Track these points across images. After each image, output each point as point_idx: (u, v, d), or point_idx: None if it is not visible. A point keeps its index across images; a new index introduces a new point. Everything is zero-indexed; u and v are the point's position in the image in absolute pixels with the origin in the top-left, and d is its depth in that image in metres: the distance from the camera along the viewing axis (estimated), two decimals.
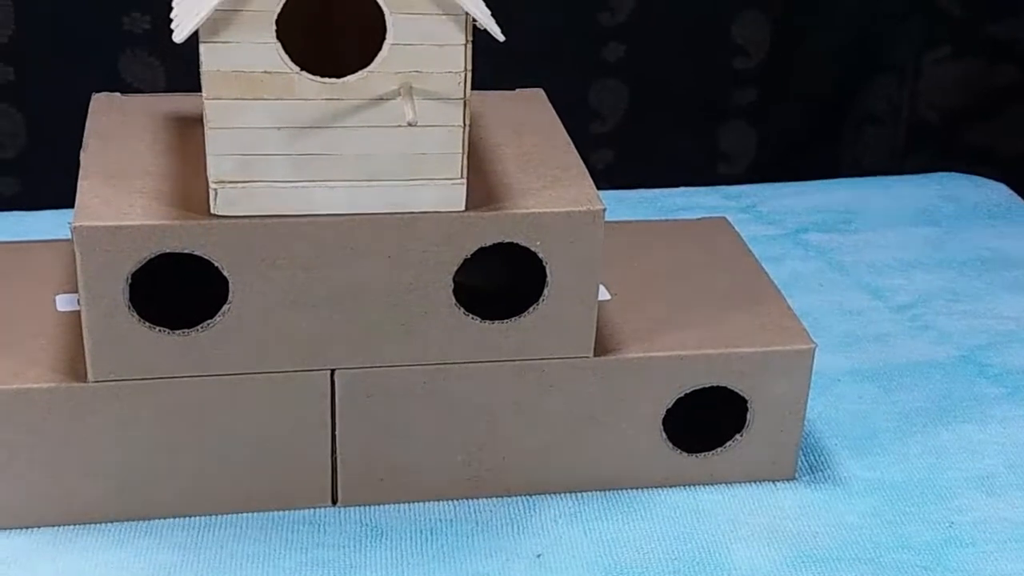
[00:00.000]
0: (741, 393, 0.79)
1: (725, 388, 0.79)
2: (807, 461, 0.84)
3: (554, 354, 0.76)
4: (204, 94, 0.67)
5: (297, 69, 0.67)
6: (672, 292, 0.84)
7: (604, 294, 0.82)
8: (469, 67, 0.69)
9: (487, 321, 0.74)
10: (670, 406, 0.79)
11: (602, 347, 0.77)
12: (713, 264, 0.88)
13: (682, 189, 1.21)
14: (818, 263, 1.09)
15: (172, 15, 0.69)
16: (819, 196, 1.21)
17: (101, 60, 1.17)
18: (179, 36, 0.65)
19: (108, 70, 1.17)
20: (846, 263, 1.09)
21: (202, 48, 0.66)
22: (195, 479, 0.75)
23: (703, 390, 0.78)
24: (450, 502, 0.78)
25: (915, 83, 1.37)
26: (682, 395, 0.78)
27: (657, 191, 1.19)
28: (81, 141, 0.77)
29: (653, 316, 0.81)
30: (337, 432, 0.76)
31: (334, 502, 0.78)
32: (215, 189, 0.69)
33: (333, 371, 0.74)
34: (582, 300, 0.75)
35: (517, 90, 0.87)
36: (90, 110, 0.81)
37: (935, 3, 1.33)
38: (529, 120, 0.83)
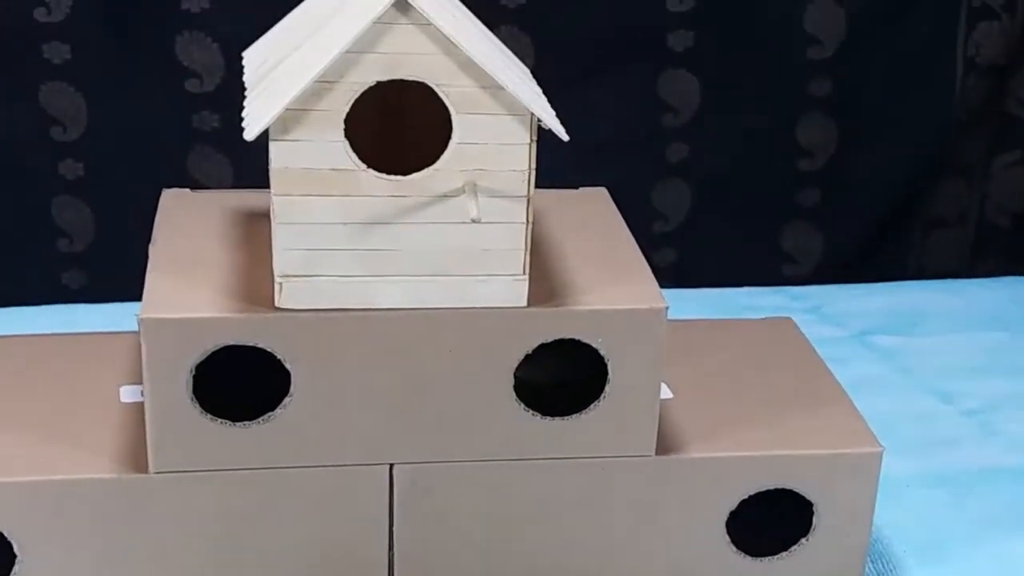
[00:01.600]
0: (807, 496, 0.79)
1: (790, 491, 0.78)
2: (874, 568, 0.83)
3: (615, 452, 0.76)
4: (272, 190, 0.69)
5: (364, 167, 0.69)
6: (736, 392, 0.84)
7: (667, 392, 0.82)
8: (533, 166, 0.70)
9: (547, 417, 0.75)
10: (734, 508, 0.78)
11: (664, 446, 0.77)
12: (778, 364, 0.88)
13: (746, 289, 1.21)
14: (885, 366, 1.09)
15: (243, 113, 0.71)
16: (886, 298, 1.21)
17: (170, 157, 1.21)
18: (250, 134, 0.68)
19: (177, 166, 1.21)
20: (914, 367, 1.09)
21: (272, 145, 0.68)
22: (253, 573, 0.76)
23: (768, 492, 0.78)
24: None
25: (984, 186, 1.37)
26: (746, 497, 0.78)
27: (720, 290, 1.20)
28: (148, 236, 0.80)
29: (716, 416, 0.81)
30: (395, 527, 0.76)
31: None
32: (280, 283, 0.71)
33: (392, 466, 0.75)
34: (644, 398, 0.75)
35: (580, 188, 0.88)
36: (160, 205, 0.83)
37: (1005, 107, 1.34)
38: (592, 218, 0.84)
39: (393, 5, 0.66)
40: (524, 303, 0.72)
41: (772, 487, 0.78)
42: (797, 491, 0.78)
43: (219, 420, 0.72)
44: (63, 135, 1.20)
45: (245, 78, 0.76)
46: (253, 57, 0.78)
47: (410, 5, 0.66)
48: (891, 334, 1.14)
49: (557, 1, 1.21)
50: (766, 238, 1.33)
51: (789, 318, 0.95)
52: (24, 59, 1.16)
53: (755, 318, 0.96)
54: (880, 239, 1.35)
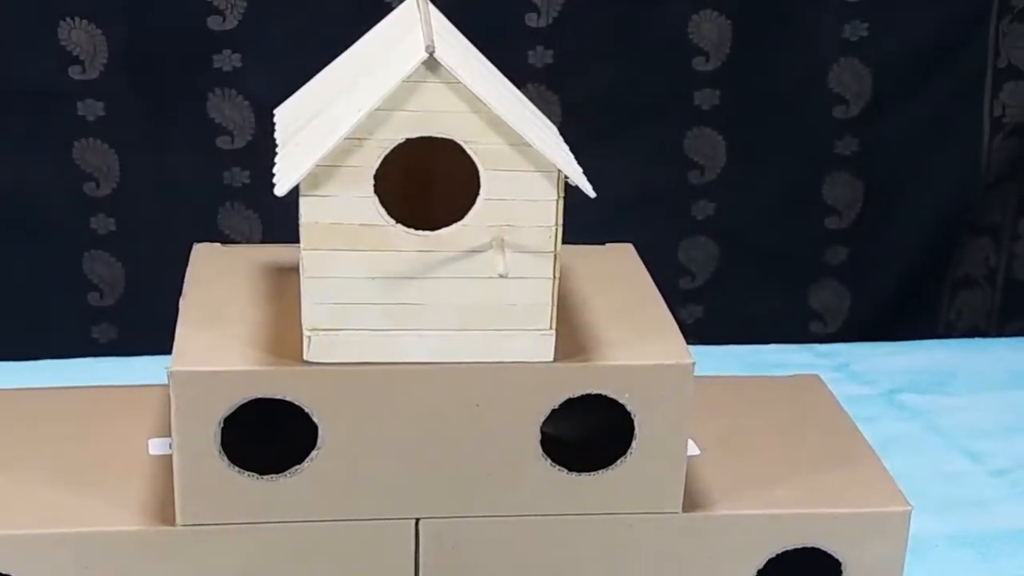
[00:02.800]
0: (835, 555, 0.78)
1: (818, 549, 0.78)
2: None
3: (642, 508, 0.76)
4: (302, 244, 0.70)
5: (393, 222, 0.70)
6: (763, 449, 0.84)
7: (693, 449, 0.82)
8: (560, 222, 0.71)
9: (574, 473, 0.75)
10: (761, 566, 0.78)
11: (691, 503, 0.77)
12: (805, 422, 0.88)
13: (773, 346, 1.21)
14: (914, 424, 1.08)
15: (274, 169, 0.72)
16: (914, 357, 1.21)
17: (200, 212, 1.22)
18: (281, 189, 0.69)
19: (207, 222, 1.22)
20: (943, 425, 1.08)
21: (302, 201, 0.69)
22: None
23: (796, 550, 0.78)
24: None
25: (1012, 246, 1.37)
26: (774, 555, 0.78)
27: (747, 347, 1.20)
28: (178, 290, 0.81)
29: (744, 473, 0.81)
30: None
31: None
32: (309, 336, 0.71)
33: (418, 520, 0.75)
34: (671, 454, 0.75)
35: (607, 244, 0.89)
36: (191, 259, 0.84)
37: None
38: (619, 274, 0.85)
39: (423, 64, 0.67)
40: (551, 358, 0.73)
41: (800, 545, 0.78)
42: (825, 550, 0.78)
43: (247, 473, 0.73)
44: (96, 190, 1.21)
45: (276, 135, 0.77)
46: (284, 114, 0.79)
47: (439, 64, 0.67)
48: (920, 393, 1.14)
49: (584, 60, 1.22)
50: (793, 296, 1.33)
51: (817, 376, 0.95)
52: (58, 116, 1.18)
53: (782, 375, 0.96)
54: (908, 298, 1.35)
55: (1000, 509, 0.96)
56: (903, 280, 1.34)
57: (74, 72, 1.17)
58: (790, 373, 0.96)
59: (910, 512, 0.78)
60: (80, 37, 1.16)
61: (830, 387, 0.93)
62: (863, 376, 1.17)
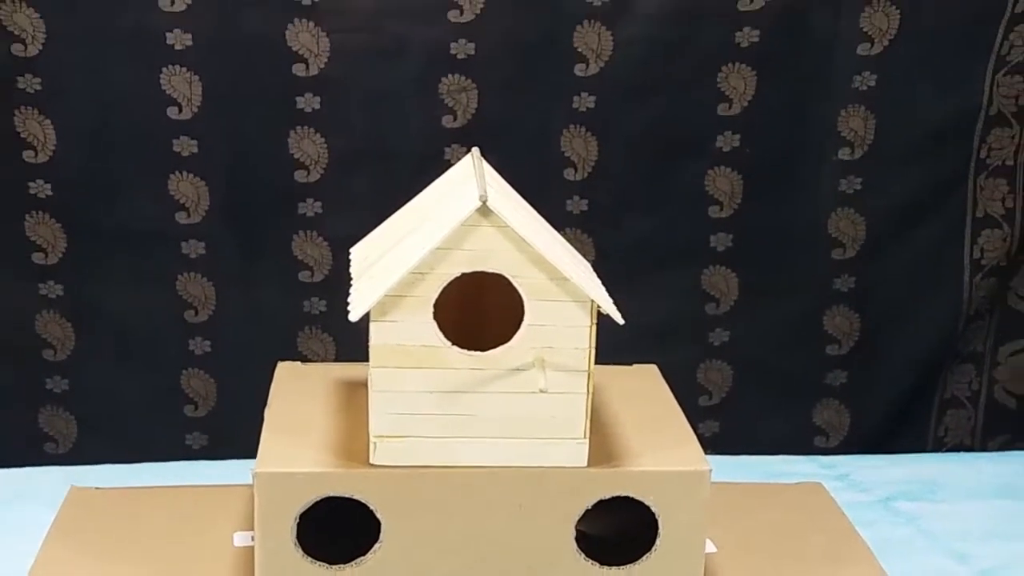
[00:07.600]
0: None
1: None
2: None
3: None
4: (371, 363, 0.72)
5: (449, 344, 0.71)
6: (773, 548, 0.83)
7: (711, 547, 0.81)
8: (593, 345, 0.72)
9: (605, 566, 0.74)
10: None
11: None
12: (810, 525, 0.87)
13: (781, 457, 1.20)
14: (907, 529, 1.07)
15: (348, 299, 0.74)
16: (907, 468, 1.20)
17: (283, 336, 1.24)
18: (354, 315, 0.70)
19: (289, 344, 1.24)
20: (933, 529, 1.07)
21: (372, 325, 0.71)
22: None
23: None
24: None
25: (992, 372, 1.36)
26: None
27: (758, 458, 1.19)
28: (262, 403, 0.82)
29: (755, 569, 0.80)
30: None
31: None
32: (375, 442, 0.72)
33: None
34: (690, 551, 0.75)
35: (634, 365, 0.90)
36: (275, 376, 0.86)
37: (1008, 302, 1.34)
38: (644, 391, 0.85)
39: (477, 210, 0.69)
40: (585, 464, 0.73)
41: None
42: None
43: (319, 563, 0.73)
44: (194, 317, 1.24)
45: (352, 269, 0.79)
46: (359, 252, 0.81)
47: (491, 211, 0.69)
48: (912, 500, 1.12)
49: (614, 208, 1.24)
50: (799, 413, 1.33)
51: (820, 484, 0.94)
52: (166, 253, 1.21)
53: (789, 483, 0.95)
54: (900, 416, 1.34)
55: None
56: (896, 401, 1.33)
57: (180, 217, 1.21)
58: (796, 481, 0.96)
59: None
60: (186, 188, 1.20)
61: (832, 494, 0.92)
62: (861, 485, 1.15)
